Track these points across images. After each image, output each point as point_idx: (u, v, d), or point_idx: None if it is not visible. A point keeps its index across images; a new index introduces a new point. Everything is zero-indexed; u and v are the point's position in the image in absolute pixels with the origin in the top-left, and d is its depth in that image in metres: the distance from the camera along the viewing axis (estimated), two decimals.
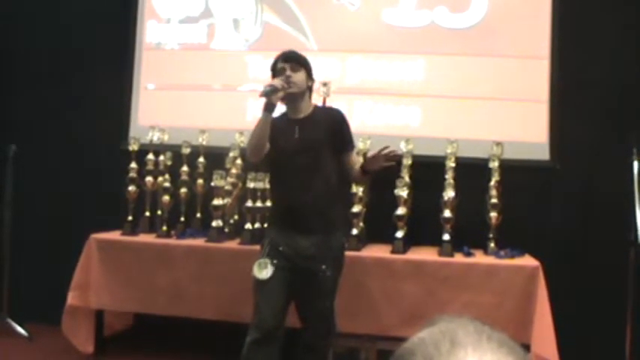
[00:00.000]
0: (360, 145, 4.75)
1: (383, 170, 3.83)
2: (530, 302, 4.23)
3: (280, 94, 3.65)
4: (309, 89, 3.86)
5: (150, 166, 5.16)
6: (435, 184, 4.74)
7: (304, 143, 3.71)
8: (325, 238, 3.71)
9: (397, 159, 3.97)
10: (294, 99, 3.77)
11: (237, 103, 5.45)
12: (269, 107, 3.65)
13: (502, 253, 4.60)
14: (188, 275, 4.66)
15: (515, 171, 4.88)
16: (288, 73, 3.73)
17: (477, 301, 4.24)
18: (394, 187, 4.64)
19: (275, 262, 3.66)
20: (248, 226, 4.74)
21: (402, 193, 4.65)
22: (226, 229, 4.92)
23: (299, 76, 3.75)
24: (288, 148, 3.71)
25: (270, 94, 3.61)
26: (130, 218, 5.04)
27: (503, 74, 5.12)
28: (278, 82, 3.66)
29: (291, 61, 3.78)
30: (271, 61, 5.26)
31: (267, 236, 3.81)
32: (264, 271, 3.63)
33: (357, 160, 3.99)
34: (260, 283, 3.66)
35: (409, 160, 4.88)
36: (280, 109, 3.80)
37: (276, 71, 3.81)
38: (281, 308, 3.70)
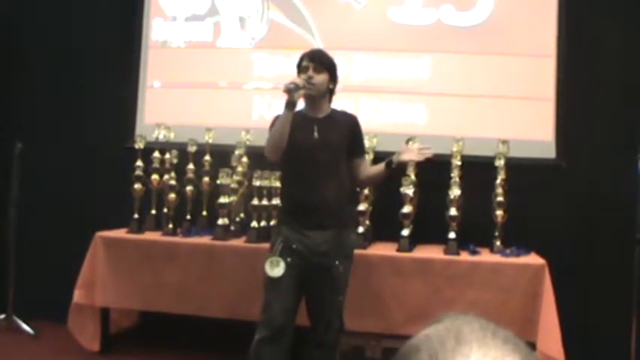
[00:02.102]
0: (366, 143, 4.74)
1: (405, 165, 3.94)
2: (536, 300, 4.22)
3: (301, 92, 3.69)
4: (331, 91, 3.89)
5: (156, 164, 5.16)
6: (441, 183, 4.73)
7: (323, 142, 3.76)
8: (338, 235, 3.75)
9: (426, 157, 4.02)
10: (313, 99, 3.80)
11: (243, 101, 5.46)
12: (290, 105, 3.67)
13: (508, 251, 4.59)
14: (194, 273, 4.67)
15: (522, 169, 4.87)
16: (311, 73, 3.75)
17: (483, 299, 4.24)
18: (400, 185, 4.64)
19: (289, 260, 3.68)
20: (254, 224, 4.74)
21: (408, 191, 4.65)
22: (232, 227, 4.92)
23: (320, 78, 3.77)
24: (307, 145, 3.74)
25: (293, 90, 3.63)
26: (135, 216, 5.04)
27: (510, 72, 5.11)
28: (300, 80, 3.70)
29: (315, 62, 3.79)
30: (277, 59, 5.38)
31: (279, 234, 3.79)
32: (276, 269, 3.64)
33: (367, 167, 4.06)
34: (271, 281, 3.67)
35: None
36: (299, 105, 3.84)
37: (300, 68, 3.82)
38: (292, 306, 3.73)
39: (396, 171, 4.05)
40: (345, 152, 3.85)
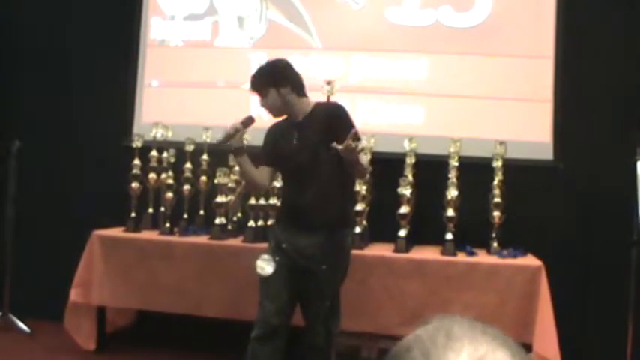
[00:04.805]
0: (363, 143, 4.71)
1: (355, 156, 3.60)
2: (533, 302, 4.22)
3: (239, 134, 3.70)
4: (296, 92, 3.74)
5: (153, 163, 5.16)
6: (438, 183, 4.74)
7: (301, 146, 3.70)
8: (328, 238, 3.66)
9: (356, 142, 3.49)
10: (281, 113, 3.80)
11: (240, 100, 5.44)
12: (236, 152, 3.74)
13: (505, 252, 4.59)
14: (191, 272, 4.67)
15: (519, 170, 4.87)
16: (260, 102, 3.80)
17: (480, 301, 4.24)
18: (397, 185, 4.63)
19: (277, 259, 3.67)
20: (251, 223, 4.75)
21: (405, 191, 4.65)
22: (229, 227, 4.93)
23: (269, 98, 3.74)
24: (288, 151, 3.74)
25: (227, 141, 3.68)
26: (133, 215, 5.04)
27: (507, 74, 5.11)
28: (231, 127, 3.69)
29: (255, 88, 3.80)
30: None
31: (273, 234, 3.83)
32: (266, 267, 3.64)
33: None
34: (263, 280, 3.68)
35: (412, 158, 4.87)
36: None
37: None
38: (284, 305, 3.70)
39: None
40: (329, 147, 3.54)
